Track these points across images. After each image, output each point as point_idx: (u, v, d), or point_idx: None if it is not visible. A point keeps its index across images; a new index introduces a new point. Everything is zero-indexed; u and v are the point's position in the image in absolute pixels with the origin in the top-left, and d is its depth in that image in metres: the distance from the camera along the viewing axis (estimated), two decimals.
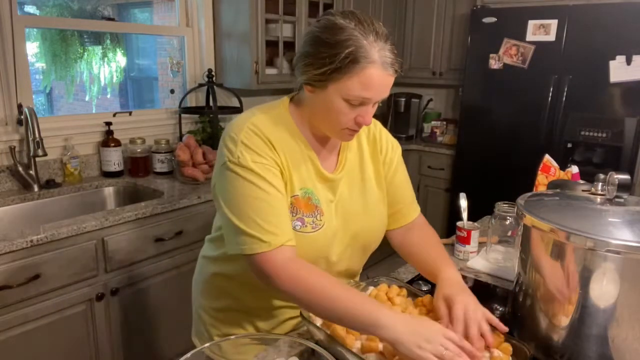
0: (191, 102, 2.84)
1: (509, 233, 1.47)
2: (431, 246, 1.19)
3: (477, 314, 0.96)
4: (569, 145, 2.92)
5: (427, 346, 0.83)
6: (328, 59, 0.91)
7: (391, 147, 1.21)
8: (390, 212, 1.21)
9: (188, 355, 0.82)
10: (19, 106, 2.12)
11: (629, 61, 2.66)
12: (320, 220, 1.05)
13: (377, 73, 0.92)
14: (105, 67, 5.25)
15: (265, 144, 0.99)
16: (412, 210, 1.25)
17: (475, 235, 1.50)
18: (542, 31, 2.91)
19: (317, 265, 1.06)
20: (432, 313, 1.06)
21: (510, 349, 0.95)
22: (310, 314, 1.02)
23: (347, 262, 1.15)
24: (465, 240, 1.49)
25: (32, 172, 2.13)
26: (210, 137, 2.66)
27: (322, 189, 1.07)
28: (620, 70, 2.69)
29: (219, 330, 1.18)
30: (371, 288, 1.16)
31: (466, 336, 0.92)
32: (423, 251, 1.19)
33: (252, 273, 0.98)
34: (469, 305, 0.96)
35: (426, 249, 1.19)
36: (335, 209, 1.09)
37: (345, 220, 1.10)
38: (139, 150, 2.44)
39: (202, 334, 1.22)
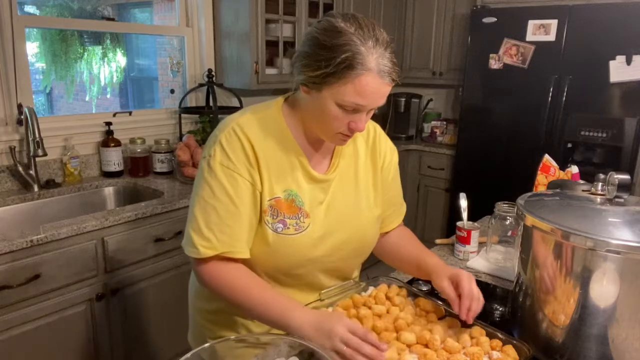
0: (191, 102, 2.84)
1: (509, 233, 1.47)
2: (410, 243, 1.22)
3: (478, 292, 1.01)
4: (569, 145, 2.93)
5: (327, 343, 0.86)
6: (324, 62, 0.90)
7: (390, 152, 1.20)
8: (382, 216, 1.21)
9: (188, 355, 0.82)
10: (19, 106, 2.12)
11: (629, 61, 2.66)
12: (304, 222, 1.03)
13: (372, 81, 0.90)
14: (105, 67, 5.25)
15: (242, 147, 0.99)
16: (399, 216, 1.27)
17: (475, 235, 1.50)
18: (542, 31, 2.91)
19: (303, 267, 1.06)
20: (431, 314, 1.07)
21: (514, 351, 0.94)
22: None
23: (337, 264, 1.13)
24: (465, 240, 1.49)
25: (32, 172, 2.13)
26: None
27: (310, 190, 1.06)
28: (620, 70, 2.69)
29: (212, 332, 1.17)
30: (371, 288, 1.16)
31: (468, 310, 0.99)
32: (404, 248, 1.22)
33: None
34: (473, 284, 1.01)
35: (405, 246, 1.22)
36: (326, 210, 1.07)
37: (337, 222, 1.08)
38: (139, 150, 2.44)
39: (197, 337, 1.21)
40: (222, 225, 0.97)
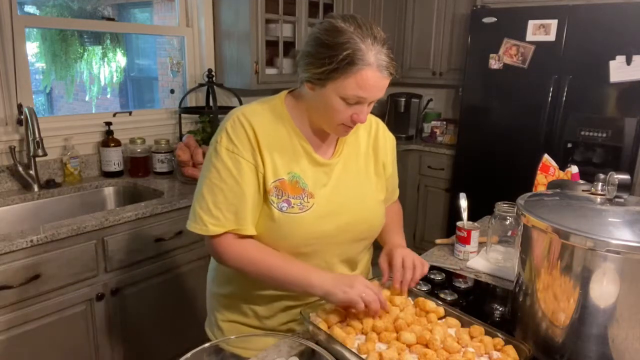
0: (191, 102, 2.84)
1: (509, 233, 1.47)
2: (389, 214, 1.31)
3: (410, 263, 1.12)
4: (569, 145, 2.92)
5: (351, 290, 0.99)
6: (327, 59, 0.97)
7: (390, 141, 1.27)
8: None
9: (188, 355, 0.82)
10: (19, 106, 2.12)
11: (629, 61, 2.66)
12: (309, 202, 1.09)
13: (372, 75, 0.97)
14: (105, 67, 5.25)
15: (245, 133, 1.06)
16: (394, 195, 1.37)
17: (475, 235, 1.50)
18: (542, 31, 2.91)
19: (310, 245, 1.11)
20: (431, 314, 1.07)
21: (514, 351, 0.94)
22: (311, 314, 1.04)
23: (344, 246, 1.17)
24: (465, 240, 1.49)
25: (32, 172, 2.13)
26: (211, 137, 2.64)
27: (314, 172, 1.11)
28: (620, 70, 2.69)
29: (223, 315, 1.23)
30: None
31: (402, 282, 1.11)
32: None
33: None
34: (406, 256, 1.13)
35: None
36: (331, 192, 1.12)
37: (342, 203, 1.13)
38: (139, 150, 2.44)
39: (211, 320, 1.28)
40: (228, 205, 1.05)
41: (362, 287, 1.00)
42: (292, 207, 1.08)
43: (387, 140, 1.26)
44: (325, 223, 1.11)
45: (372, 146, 1.22)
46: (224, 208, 1.05)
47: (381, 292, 1.02)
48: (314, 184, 1.11)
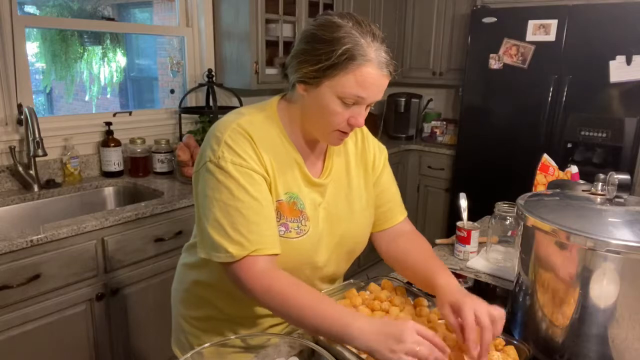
0: (191, 102, 2.84)
1: (509, 233, 1.47)
2: (421, 252, 1.12)
3: (487, 319, 0.87)
4: (569, 145, 2.93)
5: (399, 347, 0.80)
6: (324, 55, 0.91)
7: (378, 151, 1.20)
8: (378, 213, 1.20)
9: (188, 355, 0.82)
10: (19, 106, 2.12)
11: (629, 61, 2.66)
12: (306, 225, 1.03)
13: (373, 72, 0.91)
14: (105, 67, 5.25)
15: (250, 145, 0.97)
16: (398, 212, 1.22)
17: (475, 235, 1.50)
18: (542, 31, 2.91)
19: (302, 271, 1.06)
20: (431, 314, 1.06)
21: (514, 351, 0.94)
22: None
23: (333, 267, 1.13)
24: (465, 240, 1.49)
25: (32, 172, 2.13)
26: None
27: (308, 192, 1.05)
28: (620, 70, 2.69)
29: (199, 339, 1.16)
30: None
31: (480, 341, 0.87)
32: (412, 257, 1.12)
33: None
34: (478, 309, 0.88)
35: (415, 254, 1.12)
36: (323, 213, 1.07)
37: (331, 225, 1.08)
38: (139, 150, 2.44)
39: (183, 343, 1.20)
40: (249, 225, 0.93)
41: (414, 339, 0.80)
42: (290, 231, 1.00)
43: (375, 149, 1.19)
44: (320, 246, 1.06)
45: (360, 156, 1.16)
46: (244, 230, 0.92)
47: (434, 334, 0.83)
48: (310, 205, 1.04)
